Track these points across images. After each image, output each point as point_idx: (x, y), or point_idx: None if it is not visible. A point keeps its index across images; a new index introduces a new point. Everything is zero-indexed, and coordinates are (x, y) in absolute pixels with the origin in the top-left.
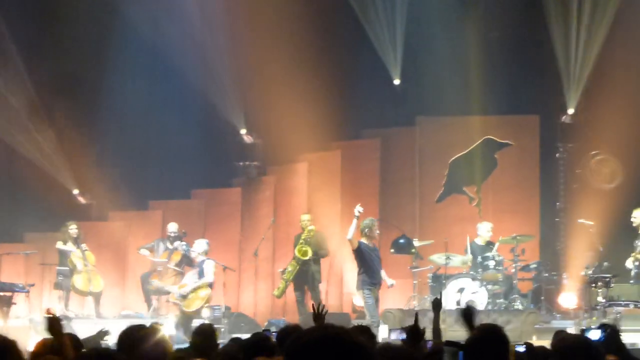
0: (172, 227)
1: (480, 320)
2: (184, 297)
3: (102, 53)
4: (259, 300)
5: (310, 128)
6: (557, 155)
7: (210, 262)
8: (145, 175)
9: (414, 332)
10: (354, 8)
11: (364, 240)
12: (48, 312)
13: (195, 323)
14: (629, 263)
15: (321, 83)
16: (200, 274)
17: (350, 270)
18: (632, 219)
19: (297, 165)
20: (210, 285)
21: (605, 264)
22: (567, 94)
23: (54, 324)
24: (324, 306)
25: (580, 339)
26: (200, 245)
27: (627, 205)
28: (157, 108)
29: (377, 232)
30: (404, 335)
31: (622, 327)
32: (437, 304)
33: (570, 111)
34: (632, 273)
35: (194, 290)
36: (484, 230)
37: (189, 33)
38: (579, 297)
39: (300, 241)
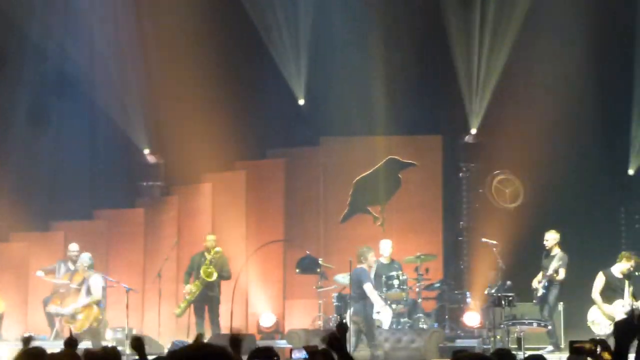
0: (73, 248)
1: (386, 338)
2: (73, 317)
3: (2, 71)
4: (163, 321)
5: (214, 148)
6: (460, 175)
7: (97, 277)
8: (46, 196)
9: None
10: (258, 28)
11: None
12: None
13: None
14: (535, 283)
15: (225, 103)
16: (88, 291)
17: (255, 291)
18: (545, 242)
19: (202, 185)
20: (99, 303)
21: (508, 282)
22: (469, 115)
23: None
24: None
25: (477, 355)
26: (83, 260)
27: (530, 224)
28: (59, 127)
29: (374, 259)
30: (304, 354)
31: (526, 346)
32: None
33: (473, 131)
34: (540, 293)
35: (83, 309)
36: (386, 248)
37: (93, 51)
38: (483, 316)
39: (206, 262)
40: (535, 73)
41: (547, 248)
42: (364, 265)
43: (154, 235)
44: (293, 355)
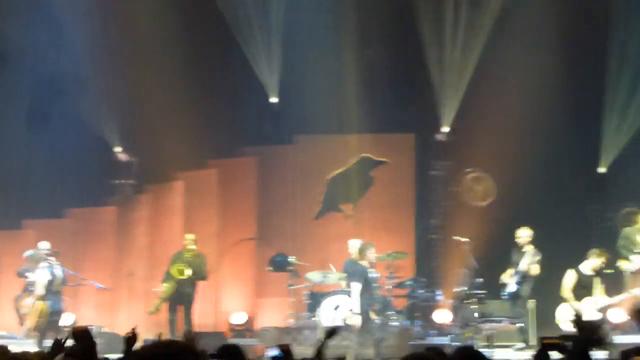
0: (44, 246)
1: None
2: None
3: None
4: (135, 320)
5: (186, 146)
6: (432, 173)
7: (39, 271)
8: (17, 194)
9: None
10: (230, 27)
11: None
12: None
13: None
14: (506, 277)
15: (198, 101)
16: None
17: (226, 289)
18: (517, 239)
19: (174, 183)
20: (42, 298)
21: (480, 280)
22: (442, 113)
23: None
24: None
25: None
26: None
27: (501, 222)
28: (30, 125)
29: (374, 255)
30: (276, 352)
31: (496, 343)
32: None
33: (445, 129)
34: (514, 289)
35: (33, 306)
36: (357, 246)
37: (64, 48)
38: (454, 313)
39: (180, 260)
40: (508, 72)
41: (519, 245)
42: (364, 262)
43: (126, 233)
44: (266, 353)
